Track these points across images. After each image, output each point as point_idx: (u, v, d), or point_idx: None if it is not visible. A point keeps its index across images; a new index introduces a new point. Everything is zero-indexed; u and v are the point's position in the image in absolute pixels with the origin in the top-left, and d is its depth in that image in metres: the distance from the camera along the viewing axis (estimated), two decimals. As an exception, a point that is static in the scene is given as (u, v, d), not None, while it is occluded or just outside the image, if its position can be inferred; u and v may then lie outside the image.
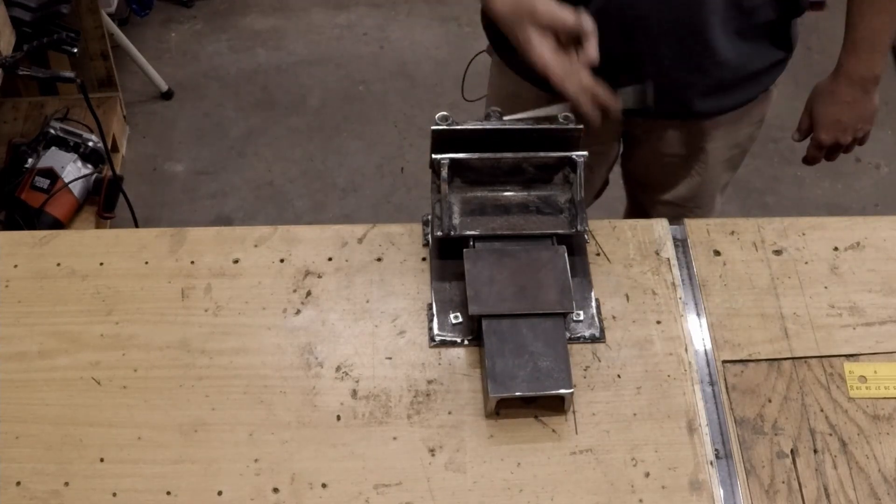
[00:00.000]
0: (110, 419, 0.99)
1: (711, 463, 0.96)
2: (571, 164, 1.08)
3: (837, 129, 1.44)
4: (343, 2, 3.16)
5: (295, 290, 1.09)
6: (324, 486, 0.95)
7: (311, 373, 1.02)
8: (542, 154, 1.08)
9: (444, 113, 1.06)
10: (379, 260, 1.12)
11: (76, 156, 2.27)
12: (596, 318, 1.06)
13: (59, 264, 1.10)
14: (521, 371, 0.97)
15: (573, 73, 1.08)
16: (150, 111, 2.82)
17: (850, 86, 1.40)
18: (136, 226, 2.19)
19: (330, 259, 1.11)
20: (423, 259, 1.12)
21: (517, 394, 0.97)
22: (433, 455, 0.97)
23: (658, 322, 1.06)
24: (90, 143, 2.29)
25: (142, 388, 1.01)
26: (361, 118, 2.81)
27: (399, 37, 3.05)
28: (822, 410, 1.01)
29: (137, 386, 1.01)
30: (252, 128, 2.78)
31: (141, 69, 2.79)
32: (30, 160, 2.26)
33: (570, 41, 1.08)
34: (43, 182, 2.21)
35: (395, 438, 0.98)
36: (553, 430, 0.98)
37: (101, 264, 1.10)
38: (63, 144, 2.28)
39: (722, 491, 0.95)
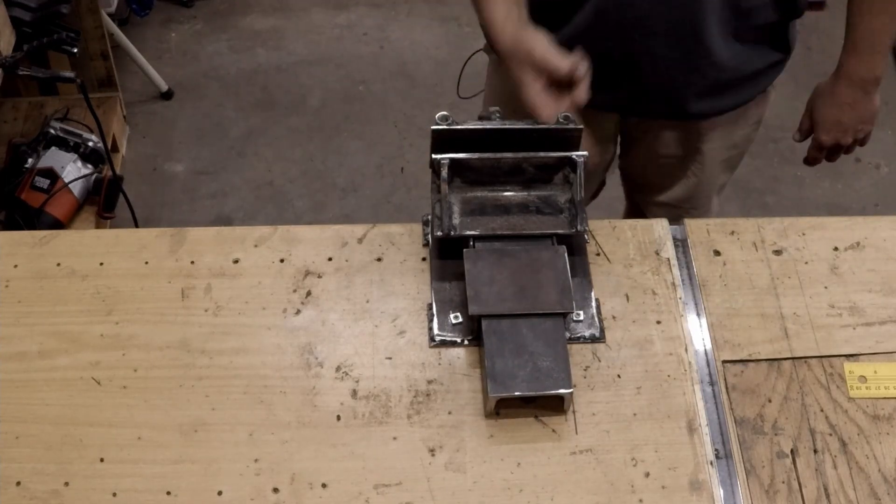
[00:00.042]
0: (110, 419, 0.99)
1: (711, 463, 0.96)
2: (571, 164, 1.08)
3: (838, 130, 1.44)
4: (343, 2, 3.16)
5: (295, 290, 1.09)
6: (324, 486, 0.95)
7: (311, 373, 1.02)
8: (542, 154, 1.08)
9: (444, 113, 1.06)
10: (379, 260, 1.12)
11: (76, 156, 2.27)
12: (596, 318, 1.06)
13: (59, 264, 1.10)
14: (521, 371, 0.97)
15: (550, 105, 1.10)
16: (150, 111, 2.82)
17: (850, 87, 1.40)
18: (136, 226, 2.19)
19: (330, 259, 1.11)
20: (423, 259, 1.12)
21: (517, 394, 0.97)
22: (433, 455, 0.97)
23: (658, 322, 1.06)
24: (90, 143, 2.30)
25: (142, 388, 1.01)
26: (361, 118, 2.81)
27: (399, 37, 3.05)
28: (822, 410, 1.01)
29: (137, 386, 1.01)
30: (252, 128, 2.78)
31: (141, 69, 2.79)
32: (30, 160, 2.26)
33: (562, 82, 1.10)
34: (43, 182, 2.22)
35: (395, 438, 0.98)
36: (553, 430, 0.98)
37: (101, 264, 1.10)
38: (63, 144, 2.28)
39: (722, 491, 0.95)
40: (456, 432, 0.98)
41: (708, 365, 1.04)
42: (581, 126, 1.07)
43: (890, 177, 2.70)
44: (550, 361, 0.98)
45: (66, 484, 0.95)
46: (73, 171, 2.25)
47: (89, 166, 2.30)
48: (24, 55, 1.94)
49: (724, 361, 1.04)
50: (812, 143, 1.49)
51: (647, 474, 0.96)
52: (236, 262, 1.11)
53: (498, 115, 1.09)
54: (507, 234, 1.07)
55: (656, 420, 0.99)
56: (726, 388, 1.02)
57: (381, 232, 1.14)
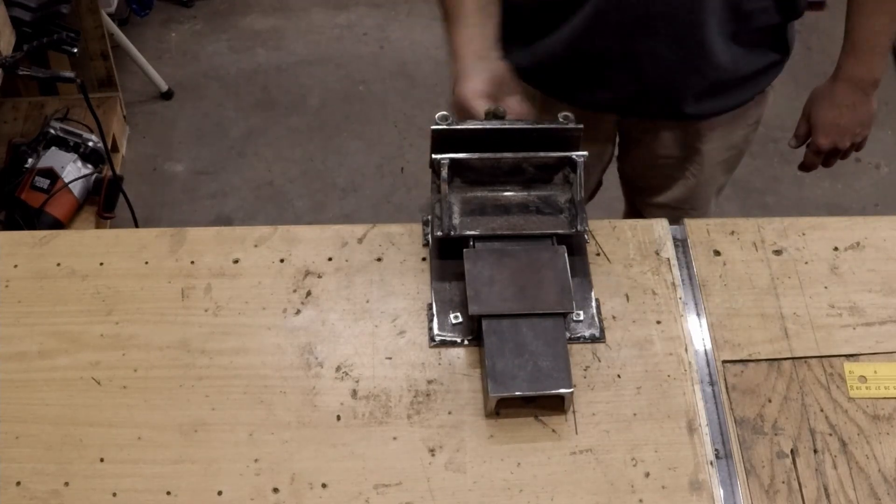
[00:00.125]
0: (110, 419, 0.99)
1: (711, 463, 0.96)
2: (571, 164, 1.08)
3: (836, 133, 1.44)
4: (343, 2, 3.16)
5: (295, 290, 1.09)
6: (324, 486, 0.95)
7: (311, 373, 1.02)
8: (542, 154, 1.08)
9: (444, 113, 1.06)
10: (379, 260, 1.12)
11: (76, 156, 2.28)
12: (596, 318, 1.06)
13: (59, 264, 1.10)
14: (521, 371, 0.97)
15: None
16: (150, 111, 2.82)
17: (849, 89, 1.39)
18: (136, 226, 2.19)
19: (330, 259, 1.11)
20: (423, 259, 1.12)
21: (517, 393, 0.97)
22: (433, 455, 0.97)
23: (658, 322, 1.06)
24: (90, 143, 2.30)
25: (142, 388, 1.01)
26: (361, 118, 2.81)
27: (399, 37, 3.05)
28: (822, 410, 1.01)
29: (137, 386, 1.01)
30: (252, 128, 2.78)
31: (141, 69, 2.79)
32: (30, 160, 2.26)
33: None
34: (43, 182, 2.22)
35: (395, 438, 0.98)
36: (553, 430, 0.98)
37: (101, 264, 1.10)
38: (63, 144, 2.28)
39: (722, 491, 0.96)
40: (456, 432, 0.98)
41: (708, 365, 1.04)
42: (581, 126, 1.07)
43: (890, 177, 2.70)
44: (550, 361, 0.98)
45: (66, 484, 0.95)
46: (73, 171, 2.25)
47: (89, 166, 2.30)
48: (24, 55, 1.94)
49: (724, 361, 1.04)
50: (810, 148, 1.48)
51: (647, 474, 0.96)
52: (236, 262, 1.11)
53: (497, 114, 1.09)
54: (507, 234, 1.07)
55: (656, 420, 0.99)
56: (726, 388, 1.02)
57: (381, 232, 1.14)
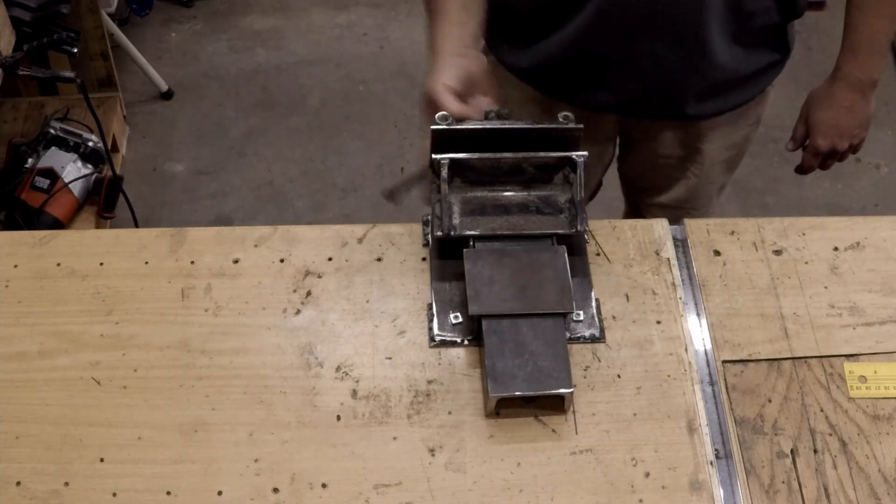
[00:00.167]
0: (110, 419, 0.99)
1: (711, 463, 0.96)
2: (571, 164, 1.08)
3: (835, 134, 1.43)
4: (343, 2, 3.16)
5: (295, 290, 1.09)
6: (324, 486, 0.95)
7: (311, 373, 1.02)
8: (542, 154, 1.08)
9: (444, 113, 1.06)
10: (379, 260, 1.12)
11: (76, 156, 2.27)
12: (596, 318, 1.06)
13: (59, 264, 1.10)
14: (521, 371, 0.97)
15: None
16: (150, 111, 2.82)
17: (848, 90, 1.39)
18: (136, 226, 2.19)
19: (330, 259, 1.11)
20: (423, 259, 1.12)
21: (517, 393, 0.97)
22: (433, 455, 0.97)
23: (658, 322, 1.06)
24: (90, 143, 2.30)
25: (142, 388, 1.01)
26: (361, 118, 2.81)
27: (399, 37, 3.05)
28: (822, 410, 1.01)
29: (137, 386, 1.01)
30: (252, 128, 2.78)
31: (141, 69, 2.79)
32: (30, 160, 2.26)
33: None
34: (43, 182, 2.22)
35: (395, 438, 0.98)
36: (553, 430, 0.98)
37: (101, 264, 1.10)
38: (63, 144, 2.28)
39: (722, 491, 0.95)
40: (456, 432, 0.98)
41: (708, 365, 1.04)
42: (581, 126, 1.07)
43: (890, 177, 2.70)
44: (550, 361, 0.98)
45: (66, 484, 0.95)
46: (73, 171, 2.25)
47: (89, 166, 2.30)
48: (24, 55, 1.94)
49: (724, 361, 1.04)
50: (808, 149, 1.48)
51: (647, 474, 0.96)
52: (236, 262, 1.11)
53: (497, 114, 1.09)
54: (507, 234, 1.07)
55: (656, 420, 0.99)
56: (726, 388, 1.02)
57: (381, 232, 1.14)
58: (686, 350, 1.04)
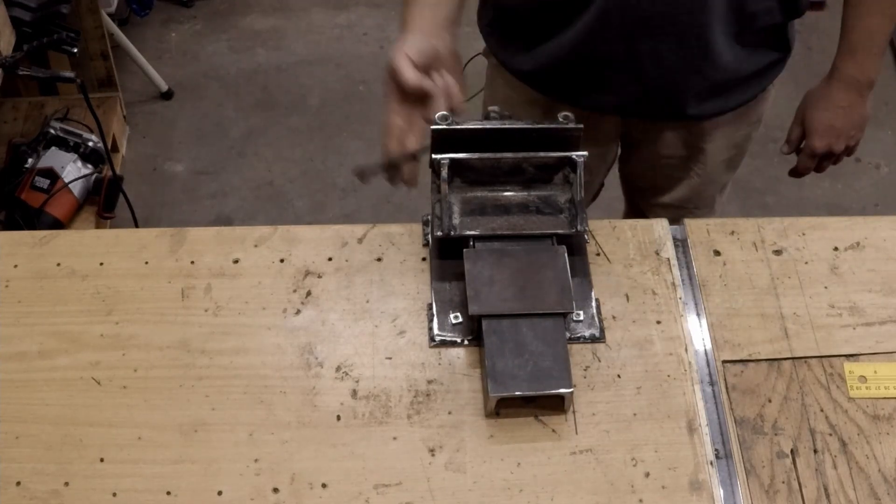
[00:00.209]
0: (110, 419, 0.99)
1: (711, 463, 0.96)
2: (571, 164, 1.08)
3: (831, 135, 1.43)
4: (343, 2, 3.16)
5: (295, 290, 1.09)
6: (324, 486, 0.95)
7: (311, 373, 1.02)
8: (542, 154, 1.08)
9: (444, 112, 1.06)
10: (379, 260, 1.12)
11: (76, 156, 2.28)
12: (596, 318, 1.06)
13: (59, 264, 1.10)
14: (521, 371, 0.97)
15: (399, 134, 1.08)
16: (150, 111, 2.82)
17: (845, 90, 1.39)
18: (136, 226, 2.19)
19: (330, 259, 1.11)
20: (423, 259, 1.12)
21: (517, 393, 0.97)
22: (433, 455, 0.97)
23: (658, 322, 1.06)
24: (90, 143, 2.30)
25: (142, 388, 1.01)
26: (361, 118, 2.81)
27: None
28: (822, 410, 1.01)
29: (137, 386, 1.01)
30: (252, 128, 2.78)
31: (141, 69, 2.79)
32: (30, 160, 2.26)
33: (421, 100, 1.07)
34: (43, 182, 2.22)
35: (395, 438, 0.98)
36: (553, 430, 0.98)
37: (101, 264, 1.10)
38: (63, 144, 2.29)
39: (722, 491, 0.95)
40: (456, 432, 0.98)
41: (708, 365, 1.04)
42: (581, 126, 1.07)
43: (890, 177, 2.70)
44: (550, 361, 0.98)
45: (66, 484, 0.95)
46: (73, 171, 2.25)
47: (89, 166, 2.30)
48: (24, 55, 1.94)
49: (724, 361, 1.04)
50: (804, 151, 1.47)
51: (647, 474, 0.96)
52: (236, 262, 1.11)
53: (497, 114, 1.09)
54: (507, 234, 1.07)
55: (656, 420, 0.99)
56: (726, 388, 1.02)
57: (381, 232, 1.14)
58: (686, 350, 1.04)
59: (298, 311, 1.07)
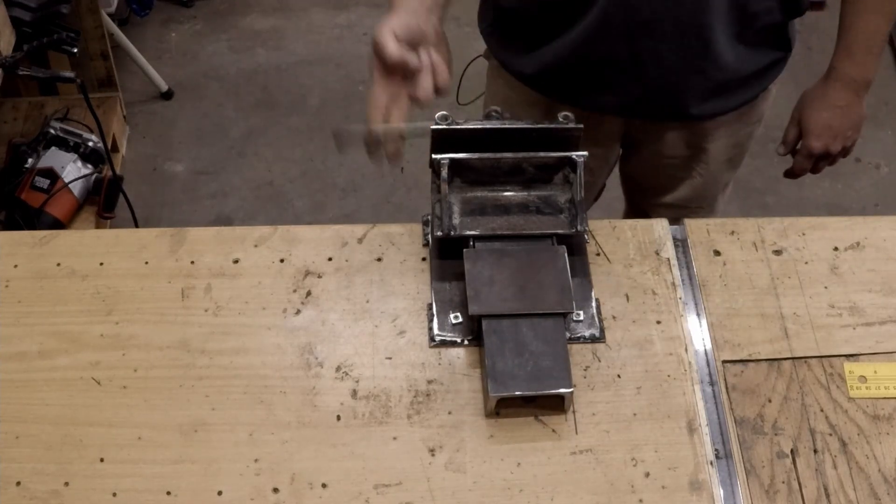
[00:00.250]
0: (110, 419, 0.99)
1: (711, 463, 0.96)
2: (571, 164, 1.08)
3: (828, 135, 1.42)
4: (343, 2, 3.16)
5: (295, 290, 1.09)
6: (324, 486, 0.95)
7: (311, 373, 1.02)
8: (542, 154, 1.08)
9: (444, 112, 1.06)
10: (379, 260, 1.12)
11: (76, 156, 2.28)
12: (596, 318, 1.06)
13: (59, 264, 1.10)
14: (521, 370, 0.97)
15: (382, 108, 1.07)
16: (150, 111, 2.82)
17: (843, 90, 1.38)
18: (136, 226, 2.19)
19: (330, 259, 1.11)
20: (423, 259, 1.12)
21: (517, 393, 0.97)
22: (433, 455, 0.97)
23: (658, 322, 1.06)
24: (90, 143, 2.30)
25: (142, 388, 1.01)
26: (361, 118, 2.80)
27: (399, 37, 3.04)
28: (822, 410, 1.01)
29: (137, 386, 1.01)
30: (252, 128, 2.78)
31: (141, 69, 2.79)
32: (30, 160, 2.26)
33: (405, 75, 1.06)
34: (43, 182, 2.22)
35: (395, 438, 0.98)
36: (553, 430, 0.98)
37: (101, 264, 1.10)
38: (63, 144, 2.28)
39: (722, 491, 0.95)
40: (456, 432, 0.98)
41: (708, 365, 1.04)
42: (581, 126, 1.07)
43: (890, 177, 2.70)
44: (550, 361, 0.98)
45: (66, 484, 0.95)
46: (73, 171, 2.25)
47: (89, 166, 2.30)
48: (24, 55, 1.94)
49: (724, 361, 1.04)
50: (800, 152, 1.46)
51: (647, 474, 0.96)
52: (236, 262, 1.11)
53: (498, 114, 1.09)
54: (507, 234, 1.07)
55: (656, 420, 0.99)
56: (726, 388, 1.02)
57: (381, 232, 1.14)
58: (686, 350, 1.04)
59: (298, 311, 1.07)
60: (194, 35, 3.06)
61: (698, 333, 1.07)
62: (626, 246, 1.13)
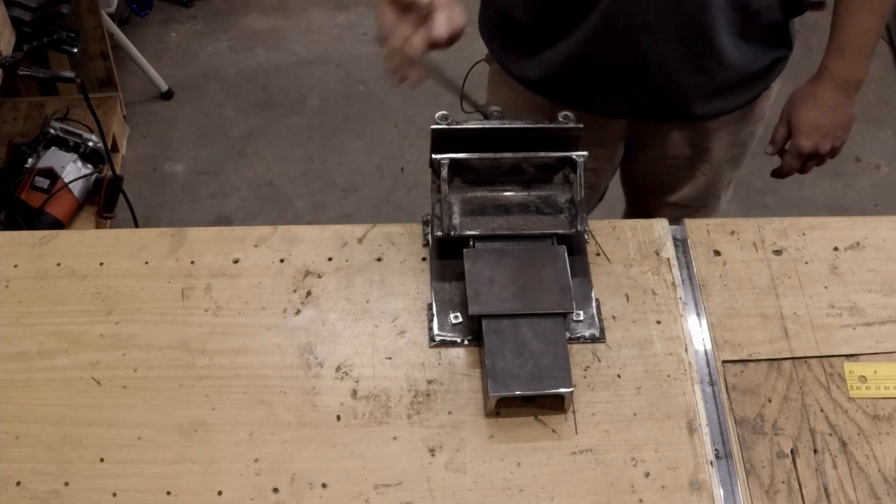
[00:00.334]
0: (110, 419, 0.99)
1: (711, 463, 0.96)
2: (571, 163, 1.08)
3: (818, 134, 1.42)
4: (343, 2, 3.16)
5: (295, 290, 1.09)
6: (324, 486, 0.95)
7: (311, 373, 1.02)
8: (542, 154, 1.08)
9: (444, 112, 1.06)
10: (379, 260, 1.12)
11: (76, 156, 2.27)
12: (596, 318, 1.06)
13: (59, 264, 1.10)
14: (521, 370, 0.97)
15: (401, 34, 1.02)
16: (150, 111, 2.82)
17: (834, 89, 1.38)
18: (136, 226, 2.19)
19: (330, 259, 1.11)
20: (423, 259, 1.12)
21: (517, 393, 0.97)
22: (433, 455, 0.97)
23: (658, 322, 1.06)
24: (90, 143, 2.29)
25: (142, 388, 1.01)
26: (361, 118, 2.81)
27: (399, 37, 3.04)
28: (822, 410, 1.01)
29: (137, 386, 1.01)
30: (252, 128, 2.78)
31: (141, 69, 2.79)
32: (30, 160, 2.26)
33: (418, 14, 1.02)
34: (43, 182, 2.21)
35: (395, 438, 0.98)
36: (553, 430, 0.98)
37: (101, 264, 1.10)
38: (63, 144, 2.28)
39: (722, 491, 0.95)
40: (456, 432, 0.98)
41: (708, 365, 1.04)
42: (581, 125, 1.07)
43: (890, 177, 2.69)
44: (550, 361, 0.98)
45: (66, 484, 0.95)
46: (73, 171, 2.25)
47: (89, 166, 2.30)
48: (24, 55, 1.94)
49: (724, 361, 1.04)
50: (789, 151, 1.46)
51: (647, 474, 0.96)
52: (236, 262, 1.11)
53: (498, 114, 1.09)
54: (507, 234, 1.07)
55: (656, 420, 0.99)
56: (726, 388, 1.02)
57: (381, 232, 1.14)
58: (686, 350, 1.04)
59: (298, 311, 1.07)
60: (194, 35, 3.06)
61: (698, 333, 1.07)
62: (626, 246, 1.13)
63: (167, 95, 2.84)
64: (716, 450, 0.98)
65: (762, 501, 0.95)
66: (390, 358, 1.03)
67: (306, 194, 2.62)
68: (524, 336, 1.00)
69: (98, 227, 2.28)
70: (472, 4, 1.49)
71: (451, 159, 1.06)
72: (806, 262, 1.13)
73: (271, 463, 0.96)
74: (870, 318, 1.08)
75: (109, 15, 2.63)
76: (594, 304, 1.07)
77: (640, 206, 1.71)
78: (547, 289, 1.02)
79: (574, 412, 0.99)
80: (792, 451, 0.98)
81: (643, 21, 1.25)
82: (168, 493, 0.94)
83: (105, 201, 2.29)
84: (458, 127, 1.05)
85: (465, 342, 1.04)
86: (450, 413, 0.99)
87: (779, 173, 1.50)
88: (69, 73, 1.97)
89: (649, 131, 1.49)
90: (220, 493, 0.94)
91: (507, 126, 1.07)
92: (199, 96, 2.87)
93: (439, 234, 1.06)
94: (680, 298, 1.08)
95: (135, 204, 2.18)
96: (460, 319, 1.05)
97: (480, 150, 1.07)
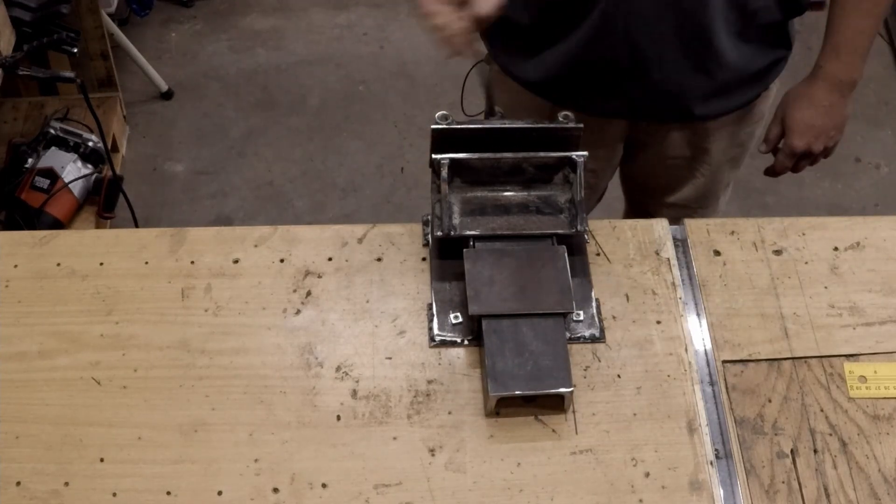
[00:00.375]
0: (110, 419, 0.99)
1: (711, 463, 0.96)
2: (571, 164, 1.08)
3: (811, 134, 1.42)
4: (343, 2, 3.16)
5: (295, 290, 1.09)
6: (324, 486, 0.95)
7: (311, 373, 1.02)
8: (542, 154, 1.08)
9: (444, 112, 1.06)
10: (379, 260, 1.12)
11: (76, 156, 2.27)
12: (596, 318, 1.06)
13: (59, 264, 1.10)
14: (521, 370, 0.98)
15: (446, 13, 1.06)
16: (150, 111, 2.82)
17: (828, 89, 1.38)
18: (136, 226, 2.19)
19: (330, 259, 1.11)
20: (423, 259, 1.12)
21: (517, 392, 0.97)
22: (433, 455, 0.97)
23: (658, 322, 1.06)
24: (90, 143, 2.29)
25: (142, 388, 1.01)
26: (361, 118, 2.81)
27: (399, 37, 3.05)
28: (822, 410, 1.01)
29: (137, 386, 1.01)
30: (252, 128, 2.78)
31: (141, 69, 2.79)
32: (30, 160, 2.26)
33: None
34: (43, 182, 2.21)
35: (395, 438, 0.98)
36: (553, 430, 0.98)
37: (101, 264, 1.10)
38: (63, 144, 2.28)
39: (722, 491, 0.96)
40: (456, 432, 0.98)
41: (708, 365, 1.04)
42: (581, 125, 1.07)
43: (890, 177, 2.69)
44: (550, 361, 0.98)
45: (66, 484, 0.95)
46: (73, 171, 2.25)
47: (89, 166, 2.30)
48: (24, 55, 1.94)
49: (724, 361, 1.04)
50: (782, 150, 1.46)
51: (647, 474, 0.96)
52: (236, 262, 1.11)
53: (499, 114, 1.09)
54: (507, 234, 1.07)
55: (656, 420, 0.99)
56: (726, 388, 1.02)
57: (381, 232, 1.14)
58: (686, 350, 1.04)
59: (298, 311, 1.07)
60: (194, 35, 3.06)
61: (698, 333, 1.07)
62: (626, 246, 1.13)
63: (167, 95, 2.84)
64: (716, 450, 0.98)
65: (762, 501, 0.95)
66: (390, 358, 1.03)
67: (306, 194, 2.62)
68: (524, 336, 1.00)
69: (98, 227, 2.28)
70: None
71: (451, 159, 1.06)
72: (806, 262, 1.13)
73: (271, 463, 0.96)
74: (870, 318, 1.08)
75: (109, 15, 2.63)
76: (594, 304, 1.07)
77: (639, 206, 1.71)
78: (547, 289, 1.02)
79: (574, 412, 0.99)
80: (792, 451, 0.98)
81: (642, 21, 1.25)
82: (168, 493, 0.94)
83: (105, 201, 2.29)
84: (458, 127, 1.06)
85: (465, 342, 1.04)
86: (450, 413, 0.99)
87: (771, 172, 1.50)
88: (69, 73, 1.97)
89: (649, 131, 1.49)
90: (220, 493, 0.94)
91: (507, 126, 1.07)
92: (199, 96, 2.87)
93: (439, 234, 1.06)
94: (680, 298, 1.08)
95: (135, 204, 2.18)
96: (460, 319, 1.05)
97: (480, 150, 1.07)
